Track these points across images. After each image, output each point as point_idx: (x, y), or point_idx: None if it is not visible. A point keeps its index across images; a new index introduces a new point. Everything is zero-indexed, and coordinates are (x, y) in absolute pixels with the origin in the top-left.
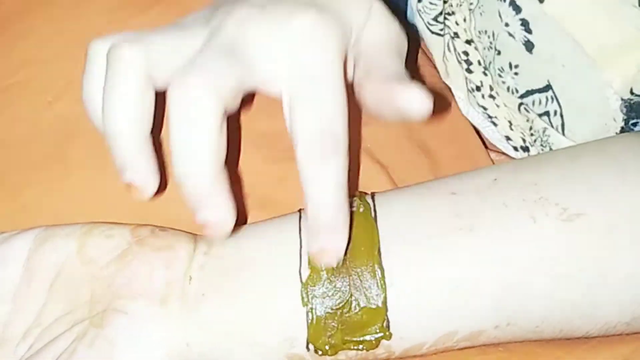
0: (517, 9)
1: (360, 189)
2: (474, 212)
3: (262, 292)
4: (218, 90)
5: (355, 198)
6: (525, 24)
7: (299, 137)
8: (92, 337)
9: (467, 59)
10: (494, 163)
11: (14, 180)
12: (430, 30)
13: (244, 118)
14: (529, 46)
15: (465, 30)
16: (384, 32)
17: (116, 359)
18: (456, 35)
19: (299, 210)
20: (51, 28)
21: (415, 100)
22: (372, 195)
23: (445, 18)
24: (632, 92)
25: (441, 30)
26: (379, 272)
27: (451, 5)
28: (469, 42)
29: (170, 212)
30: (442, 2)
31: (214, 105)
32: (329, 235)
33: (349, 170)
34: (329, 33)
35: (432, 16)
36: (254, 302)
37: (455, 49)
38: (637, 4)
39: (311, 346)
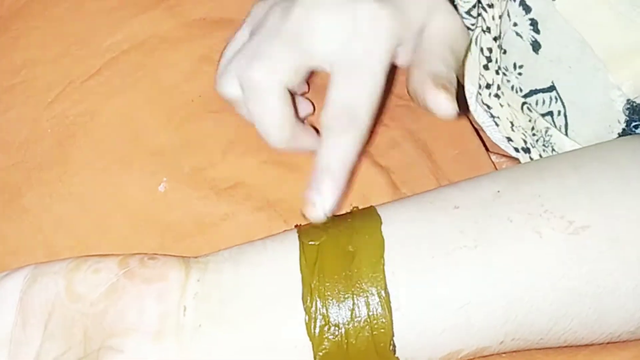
0: (527, 9)
1: (361, 191)
2: (478, 228)
3: (265, 322)
4: (277, 74)
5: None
6: (534, 24)
7: (326, 107)
8: None
9: (489, 56)
10: (494, 165)
11: (16, 181)
12: None
13: (243, 119)
14: (535, 46)
15: (497, 26)
16: (446, 29)
17: None
18: (488, 30)
19: (296, 227)
20: (52, 29)
21: (441, 105)
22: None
23: (483, 9)
24: None
25: (472, 25)
26: (384, 296)
27: None
28: (496, 38)
29: (170, 214)
30: None
31: (273, 86)
32: (322, 193)
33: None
34: (384, 26)
35: (466, 9)
36: (257, 333)
37: (480, 43)
38: None
39: None
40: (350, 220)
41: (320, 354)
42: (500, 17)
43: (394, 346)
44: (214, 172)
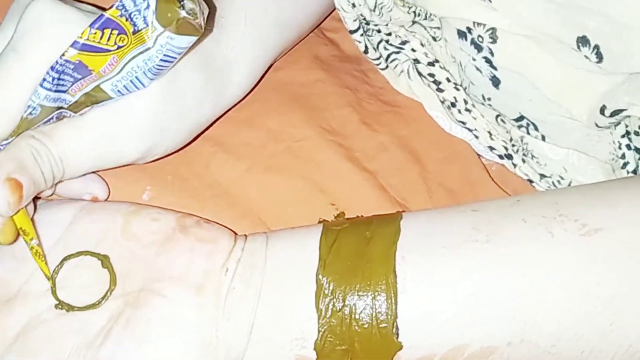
0: (479, 48)
1: (349, 193)
2: (492, 225)
3: (281, 291)
4: None
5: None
6: (489, 61)
7: None
8: (127, 317)
9: (435, 80)
10: (485, 167)
11: None
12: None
13: (226, 129)
14: (495, 82)
15: (425, 54)
16: None
17: (151, 341)
18: (417, 61)
19: (323, 221)
20: None
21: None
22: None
23: (396, 46)
24: (597, 125)
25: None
26: (391, 278)
27: (398, 37)
28: (431, 63)
29: None
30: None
31: None
32: None
33: None
34: None
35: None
36: (274, 300)
37: (420, 74)
38: (575, 47)
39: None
40: (373, 217)
41: (325, 327)
42: (422, 45)
43: (397, 329)
44: (197, 181)
